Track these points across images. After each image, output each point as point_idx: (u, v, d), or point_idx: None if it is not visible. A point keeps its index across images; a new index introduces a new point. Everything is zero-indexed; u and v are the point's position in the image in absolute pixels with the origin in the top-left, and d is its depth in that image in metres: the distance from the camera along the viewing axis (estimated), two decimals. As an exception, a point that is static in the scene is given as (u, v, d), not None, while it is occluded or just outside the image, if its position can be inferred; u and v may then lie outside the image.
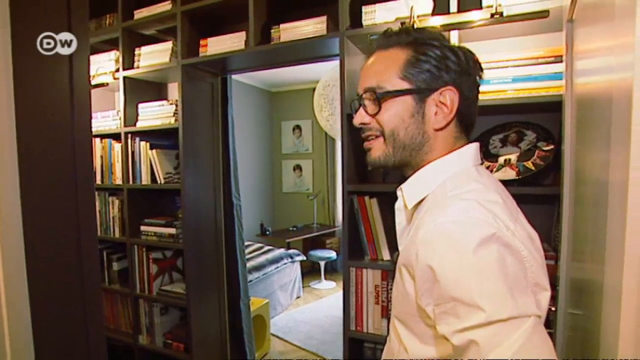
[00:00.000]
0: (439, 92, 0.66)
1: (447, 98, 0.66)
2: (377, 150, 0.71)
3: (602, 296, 0.49)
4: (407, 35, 0.68)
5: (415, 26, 1.32)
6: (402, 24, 1.41)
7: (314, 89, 3.41)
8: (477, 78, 0.70)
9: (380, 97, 0.67)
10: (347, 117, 1.53)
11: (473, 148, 0.70)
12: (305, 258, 4.43)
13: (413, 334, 0.65)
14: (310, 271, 4.96)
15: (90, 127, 0.99)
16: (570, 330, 0.96)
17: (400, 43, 0.68)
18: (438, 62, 0.66)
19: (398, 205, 0.76)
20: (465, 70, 0.67)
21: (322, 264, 4.67)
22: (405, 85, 0.66)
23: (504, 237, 0.53)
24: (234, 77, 2.32)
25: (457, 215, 0.56)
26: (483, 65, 0.71)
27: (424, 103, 0.67)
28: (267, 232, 4.78)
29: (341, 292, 1.64)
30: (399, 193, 0.75)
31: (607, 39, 0.52)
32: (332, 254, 4.66)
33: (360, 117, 0.71)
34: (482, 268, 0.51)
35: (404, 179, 0.74)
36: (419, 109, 0.67)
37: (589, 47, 0.73)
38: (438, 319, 0.56)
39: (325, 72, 3.29)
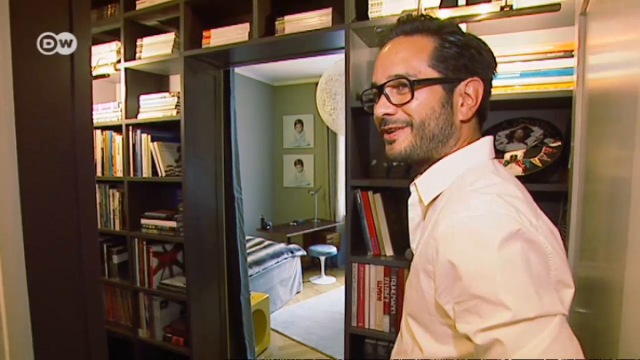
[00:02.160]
0: (465, 82, 0.65)
1: (472, 89, 0.65)
2: (403, 141, 0.66)
3: (621, 296, 0.47)
4: (431, 22, 0.66)
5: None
6: (409, 16, 1.39)
7: (316, 84, 3.38)
8: (494, 71, 0.68)
9: (414, 85, 0.63)
10: (351, 111, 1.51)
11: (488, 141, 0.68)
12: (305, 253, 4.43)
13: (429, 332, 0.63)
14: (310, 266, 4.96)
15: (92, 121, 0.98)
16: (577, 328, 0.95)
17: (425, 29, 0.65)
18: (464, 51, 0.64)
19: (412, 200, 0.73)
20: (487, 62, 0.66)
21: (322, 259, 4.66)
22: (435, 74, 0.64)
23: (528, 233, 0.51)
24: (236, 70, 2.29)
25: (479, 210, 0.54)
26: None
27: (452, 93, 0.65)
28: (268, 227, 4.76)
29: (341, 287, 1.63)
30: (412, 188, 0.72)
31: (631, 32, 0.50)
32: (333, 249, 4.66)
33: (384, 107, 0.66)
34: (507, 265, 0.49)
35: (415, 173, 0.72)
36: (448, 99, 0.65)
37: (605, 41, 0.71)
38: (459, 318, 0.54)
39: (328, 66, 3.26)
